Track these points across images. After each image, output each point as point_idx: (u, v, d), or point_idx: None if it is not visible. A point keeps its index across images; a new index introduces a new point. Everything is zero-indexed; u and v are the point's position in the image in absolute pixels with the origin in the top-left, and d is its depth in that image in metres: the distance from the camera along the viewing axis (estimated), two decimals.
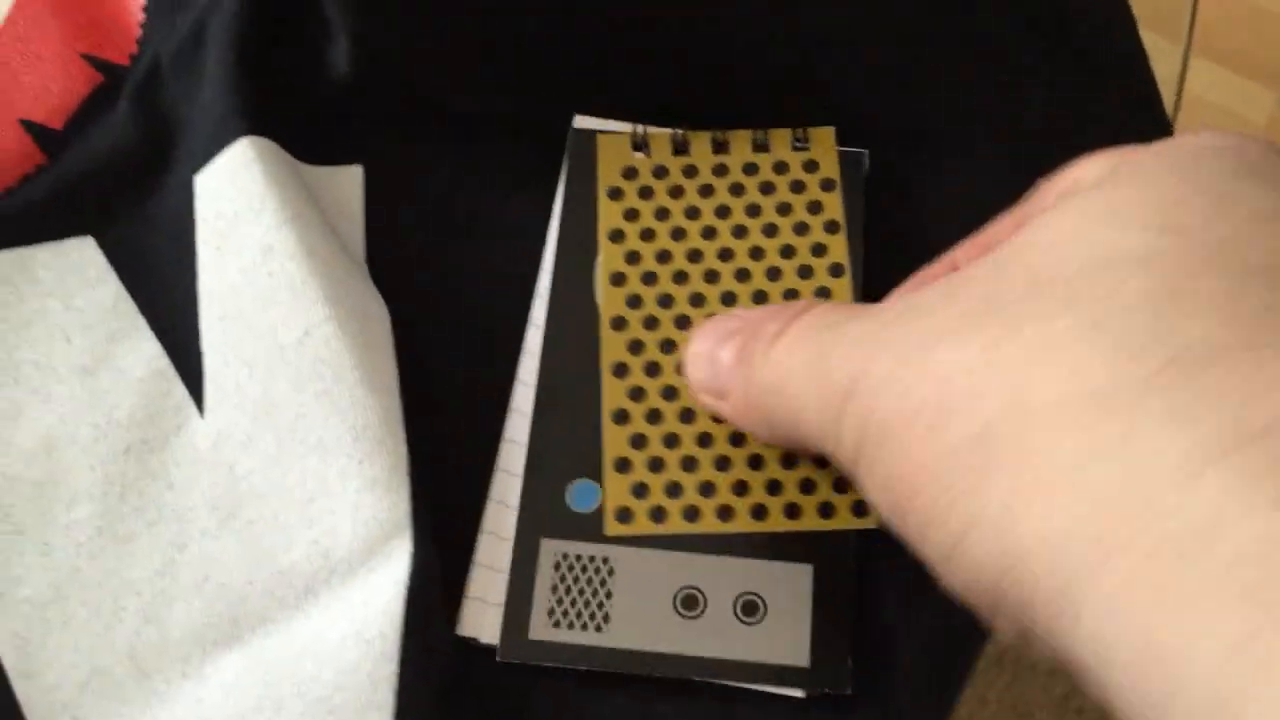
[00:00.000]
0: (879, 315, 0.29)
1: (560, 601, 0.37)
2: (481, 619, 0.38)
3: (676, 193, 0.42)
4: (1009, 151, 0.42)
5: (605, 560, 0.38)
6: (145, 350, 0.40)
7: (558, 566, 0.38)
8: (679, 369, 0.39)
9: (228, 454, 0.38)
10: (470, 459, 0.40)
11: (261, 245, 0.39)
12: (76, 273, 0.41)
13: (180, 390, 0.39)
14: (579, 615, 0.37)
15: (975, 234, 0.34)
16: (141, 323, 0.40)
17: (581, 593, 0.37)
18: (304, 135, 0.42)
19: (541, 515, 0.38)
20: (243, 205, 0.39)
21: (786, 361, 0.31)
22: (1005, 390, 0.25)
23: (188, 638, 0.37)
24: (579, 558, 0.38)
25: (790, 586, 0.37)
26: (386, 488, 0.37)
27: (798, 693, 0.37)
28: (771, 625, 0.37)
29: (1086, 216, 0.27)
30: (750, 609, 0.37)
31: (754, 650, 0.37)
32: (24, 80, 0.44)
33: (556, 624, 0.37)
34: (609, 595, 0.37)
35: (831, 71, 0.43)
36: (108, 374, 0.39)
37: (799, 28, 0.43)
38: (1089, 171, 0.30)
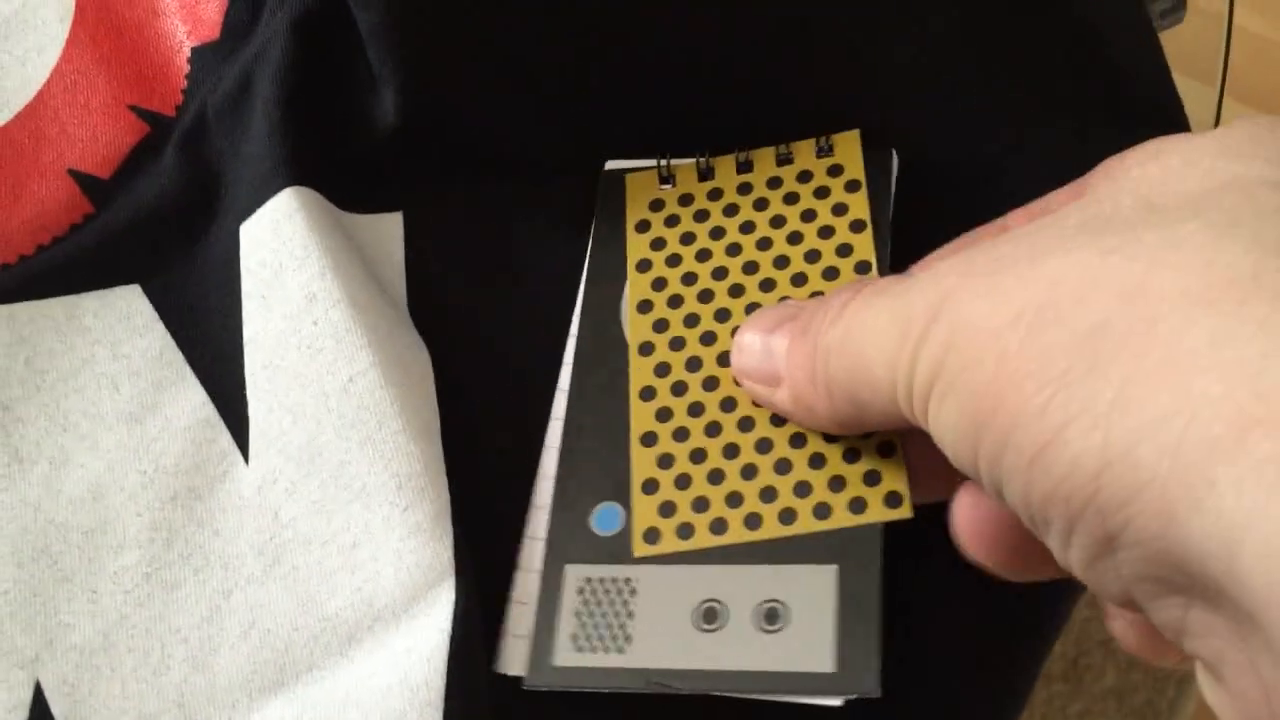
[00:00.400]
0: (962, 252, 0.29)
1: (584, 625, 0.37)
2: (515, 653, 0.38)
3: (701, 216, 0.42)
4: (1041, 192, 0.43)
5: (628, 580, 0.38)
6: (191, 398, 0.40)
7: (581, 591, 0.38)
8: (705, 385, 0.39)
9: (272, 501, 0.39)
10: (511, 500, 0.40)
11: (305, 294, 0.39)
12: (124, 321, 0.41)
13: (225, 438, 0.40)
14: (601, 638, 0.37)
15: (1028, 205, 0.34)
16: (187, 371, 0.41)
17: (604, 615, 0.37)
18: (345, 183, 0.43)
19: (566, 542, 0.38)
20: (286, 255, 0.40)
21: (861, 314, 0.31)
22: (1127, 285, 0.24)
23: (235, 685, 0.37)
24: (602, 580, 0.38)
25: (814, 589, 0.36)
26: (430, 535, 0.37)
27: (833, 701, 0.35)
28: (794, 632, 0.36)
29: (1199, 152, 0.27)
30: (772, 617, 0.36)
31: (776, 660, 0.36)
32: (72, 131, 0.45)
33: (580, 648, 0.37)
34: (630, 615, 0.37)
35: (866, 107, 0.43)
36: (154, 422, 0.40)
37: (835, 58, 0.43)
38: (1163, 143, 0.29)
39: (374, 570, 0.37)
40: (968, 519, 0.33)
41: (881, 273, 0.40)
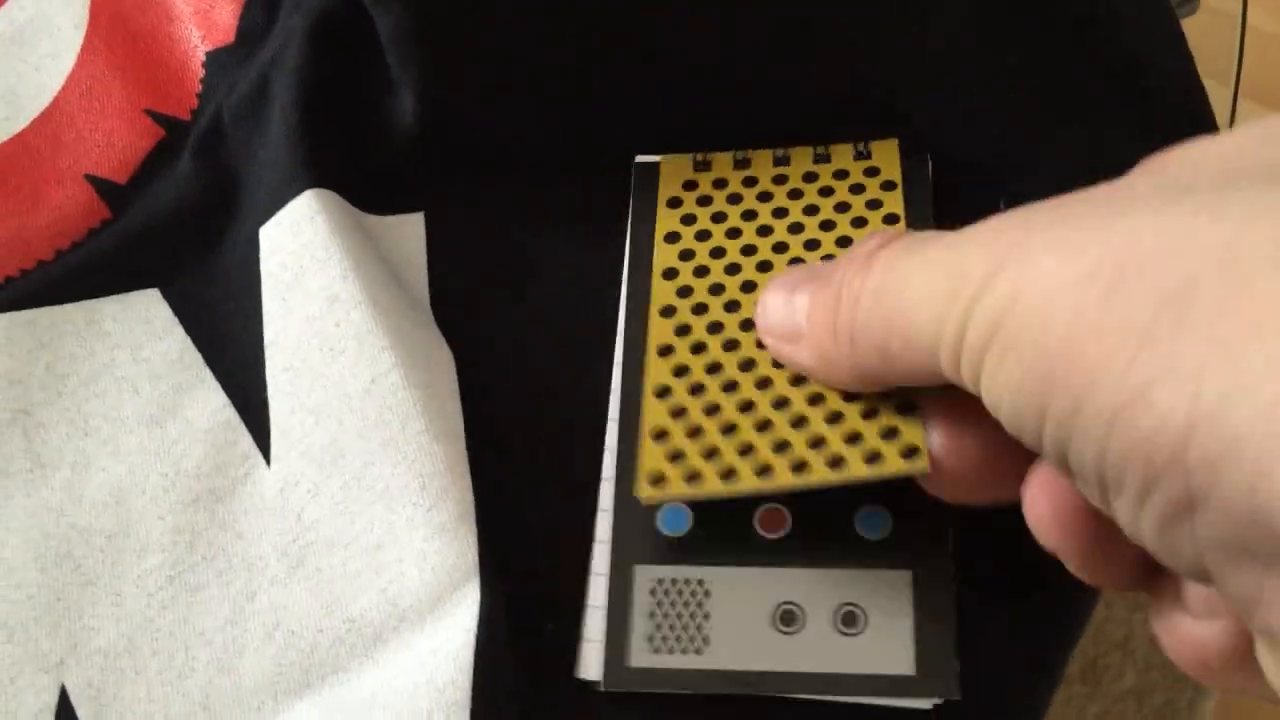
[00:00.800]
0: (1019, 211, 0.28)
1: (659, 627, 0.37)
2: (591, 658, 0.37)
3: (734, 199, 0.42)
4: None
5: (700, 582, 0.37)
6: (212, 401, 0.40)
7: (653, 592, 0.37)
8: (725, 347, 0.38)
9: (295, 502, 0.38)
10: (536, 500, 0.40)
11: (327, 296, 0.39)
12: (143, 325, 0.41)
13: (247, 440, 0.40)
14: (678, 639, 0.37)
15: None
16: (208, 374, 0.41)
17: (680, 616, 0.37)
18: (365, 185, 0.42)
19: (633, 542, 0.38)
20: (307, 257, 0.40)
21: (902, 264, 0.30)
22: (1215, 244, 0.24)
23: (260, 687, 0.37)
24: (674, 581, 0.38)
25: (890, 594, 0.37)
26: (454, 535, 0.37)
27: (921, 704, 0.36)
28: (873, 635, 0.36)
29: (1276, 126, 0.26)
30: (850, 620, 0.37)
31: (857, 662, 0.36)
32: (89, 136, 0.45)
33: (656, 650, 0.37)
34: (706, 617, 0.37)
35: (899, 107, 0.43)
36: (175, 425, 0.40)
37: (869, 59, 0.43)
38: (1235, 130, 0.29)
39: (398, 571, 0.37)
40: (1044, 501, 0.31)
41: None
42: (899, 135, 0.43)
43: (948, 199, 0.42)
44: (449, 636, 0.36)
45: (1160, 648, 0.31)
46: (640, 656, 0.37)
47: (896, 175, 0.42)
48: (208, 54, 0.46)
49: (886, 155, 0.42)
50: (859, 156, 0.42)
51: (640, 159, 0.44)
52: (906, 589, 0.37)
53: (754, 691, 0.36)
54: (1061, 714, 0.84)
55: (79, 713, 0.37)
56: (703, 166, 0.43)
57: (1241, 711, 0.92)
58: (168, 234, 0.43)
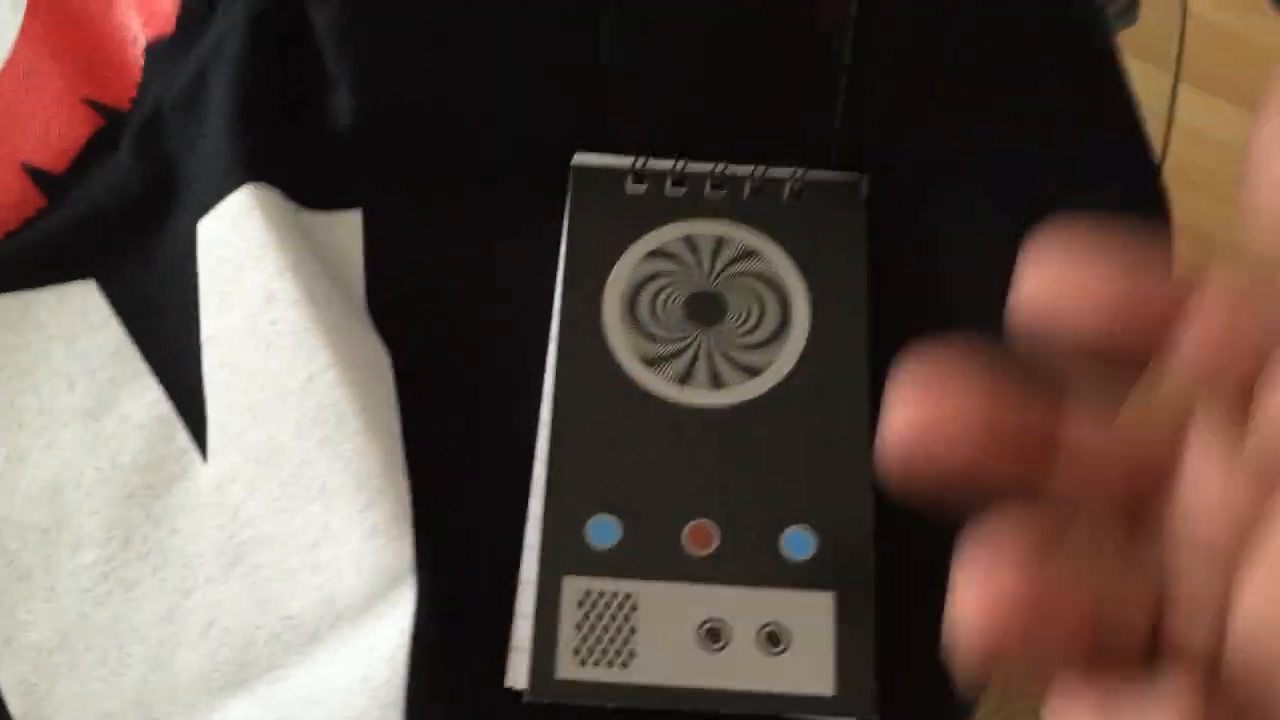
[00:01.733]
0: None
1: (585, 639, 0.38)
2: (519, 667, 0.38)
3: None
4: (1009, 187, 0.43)
5: (628, 596, 0.38)
6: (148, 395, 0.40)
7: (581, 604, 0.38)
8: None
9: (232, 500, 0.39)
10: (473, 500, 0.40)
11: (264, 292, 0.39)
12: (79, 317, 0.41)
13: (183, 436, 0.40)
14: (604, 652, 0.38)
15: None
16: (144, 368, 0.41)
17: (606, 629, 0.38)
18: (303, 180, 0.42)
19: (562, 552, 0.39)
20: (244, 253, 0.40)
21: None
22: None
23: (195, 684, 0.37)
24: (602, 594, 0.38)
25: (812, 615, 0.38)
26: (390, 535, 0.37)
27: None
28: (796, 655, 0.37)
29: None
30: (774, 639, 0.38)
31: (780, 680, 0.37)
32: (26, 124, 0.44)
33: (583, 662, 0.37)
34: (633, 631, 0.38)
35: (835, 102, 0.44)
36: (111, 419, 0.40)
37: (810, 61, 0.43)
38: None
39: (335, 570, 0.37)
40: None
41: (856, 305, 0.41)
42: (836, 147, 0.43)
43: (881, 212, 0.43)
44: (385, 636, 0.37)
45: None
46: (566, 668, 0.37)
47: (835, 209, 0.43)
48: (148, 42, 0.45)
49: (826, 185, 0.43)
50: (795, 184, 0.43)
51: (578, 159, 0.44)
52: (829, 610, 0.38)
53: (677, 707, 0.37)
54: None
55: (11, 707, 0.37)
56: (641, 177, 0.43)
57: None
58: (105, 225, 0.43)
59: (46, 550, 0.39)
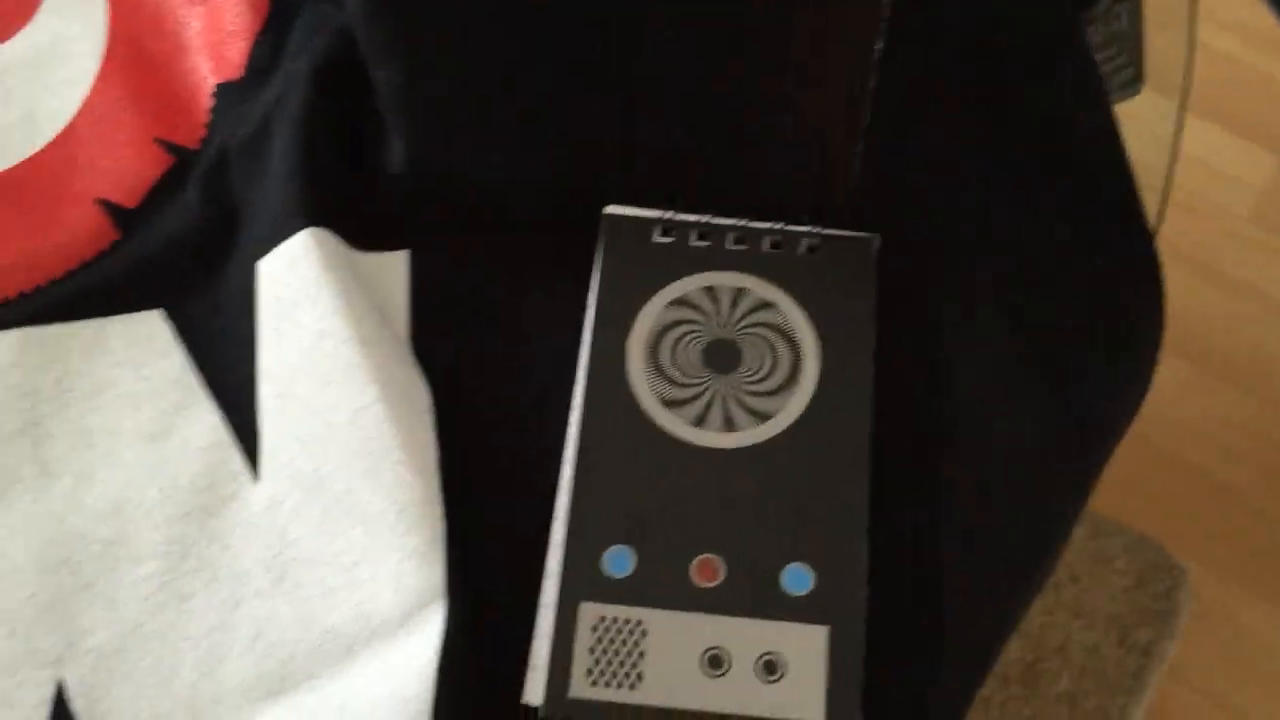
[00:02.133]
0: None
1: (598, 661, 0.40)
2: (536, 684, 0.41)
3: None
4: (1011, 264, 0.46)
5: (639, 623, 0.41)
6: (207, 421, 0.43)
7: (595, 628, 0.41)
8: None
9: (280, 521, 0.42)
10: (505, 528, 0.43)
11: (317, 330, 0.43)
12: (146, 344, 0.45)
13: (238, 460, 0.43)
14: (615, 674, 0.40)
15: None
16: (205, 394, 0.44)
17: (617, 653, 0.41)
18: (356, 223, 0.46)
19: (580, 580, 0.42)
20: (300, 292, 0.43)
21: None
22: None
23: (240, 690, 0.40)
24: (615, 620, 0.41)
25: (807, 647, 0.41)
26: (425, 559, 0.40)
27: None
28: (791, 683, 0.40)
29: None
30: (771, 668, 0.40)
31: (775, 707, 0.40)
32: (101, 161, 0.48)
33: (594, 682, 0.40)
34: (642, 655, 0.41)
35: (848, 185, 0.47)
36: (172, 442, 0.43)
37: (826, 125, 0.46)
38: None
39: (373, 590, 0.40)
40: None
41: (863, 358, 0.44)
42: (850, 208, 0.46)
43: (893, 276, 0.46)
44: (416, 652, 0.40)
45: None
46: (580, 688, 0.40)
47: (847, 267, 0.45)
48: (217, 86, 0.49)
49: (844, 246, 0.46)
50: (810, 240, 0.46)
51: (610, 209, 0.47)
52: (822, 643, 0.41)
53: None
54: (999, 716, 0.88)
55: (73, 706, 0.40)
56: (669, 229, 0.46)
57: (1171, 717, 0.96)
58: (172, 259, 0.46)
59: (109, 562, 0.42)
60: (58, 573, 0.42)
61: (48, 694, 0.40)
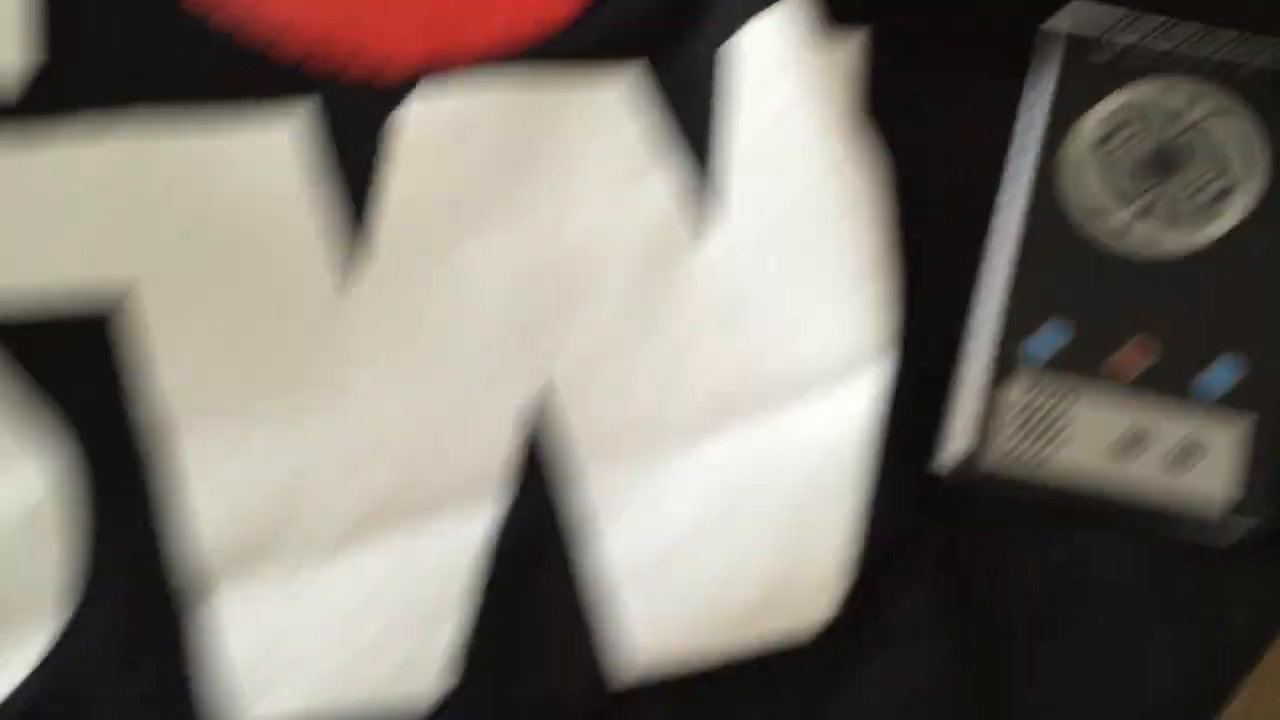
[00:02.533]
0: None
1: (1012, 437, 0.43)
2: (950, 454, 0.43)
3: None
4: None
5: (1060, 401, 0.43)
6: (674, 174, 0.47)
7: (1015, 404, 0.43)
8: None
9: (734, 271, 0.46)
10: (948, 299, 0.45)
11: (791, 97, 0.46)
12: (628, 99, 0.48)
13: (701, 211, 0.46)
14: (1025, 451, 0.42)
15: None
16: (674, 149, 0.47)
17: (1034, 428, 0.43)
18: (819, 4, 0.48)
19: (1007, 355, 0.43)
20: (776, 61, 0.46)
21: None
22: None
23: (702, 410, 0.45)
24: (1035, 397, 0.43)
25: (1229, 436, 0.42)
26: (872, 315, 0.44)
27: (1237, 528, 0.41)
28: (1203, 472, 0.42)
29: None
30: (1187, 454, 0.42)
31: (1186, 496, 0.41)
32: None
33: (1006, 456, 0.42)
34: (1059, 433, 0.42)
35: None
36: (641, 191, 0.47)
37: None
38: None
39: (820, 341, 0.44)
40: None
41: None
42: None
43: None
44: (853, 404, 0.43)
45: None
46: (992, 461, 0.43)
47: None
48: None
49: None
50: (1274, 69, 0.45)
51: (1076, 5, 0.47)
52: (1246, 432, 0.42)
53: (1085, 511, 0.42)
54: None
55: (540, 418, 0.45)
56: (1128, 30, 0.47)
57: None
58: (652, 17, 0.49)
59: (576, 296, 0.46)
60: (532, 297, 0.46)
61: (519, 403, 0.45)
